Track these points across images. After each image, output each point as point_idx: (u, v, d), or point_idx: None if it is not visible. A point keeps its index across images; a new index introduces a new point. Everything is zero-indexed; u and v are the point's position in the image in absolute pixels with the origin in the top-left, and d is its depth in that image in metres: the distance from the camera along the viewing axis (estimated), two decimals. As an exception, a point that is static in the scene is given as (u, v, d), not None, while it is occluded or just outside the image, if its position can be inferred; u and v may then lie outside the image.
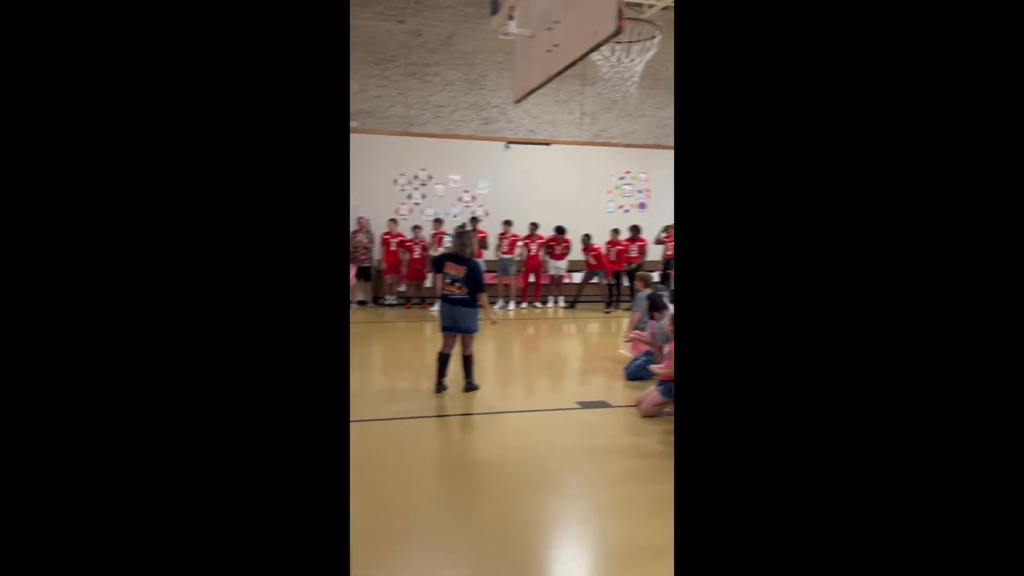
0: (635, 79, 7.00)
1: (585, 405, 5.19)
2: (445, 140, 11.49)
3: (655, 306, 5.80)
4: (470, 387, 5.49)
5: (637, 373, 5.88)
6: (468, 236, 5.49)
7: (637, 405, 4.92)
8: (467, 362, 5.48)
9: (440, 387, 5.43)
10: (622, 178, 12.32)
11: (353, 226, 10.49)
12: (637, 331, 6.08)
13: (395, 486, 3.47)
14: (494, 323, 5.88)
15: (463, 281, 5.29)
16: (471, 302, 5.32)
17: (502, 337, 8.35)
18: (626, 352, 6.71)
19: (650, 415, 4.76)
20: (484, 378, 5.76)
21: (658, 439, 4.30)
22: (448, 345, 5.44)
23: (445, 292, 5.40)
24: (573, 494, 3.48)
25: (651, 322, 5.87)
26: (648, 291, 6.48)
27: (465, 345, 5.44)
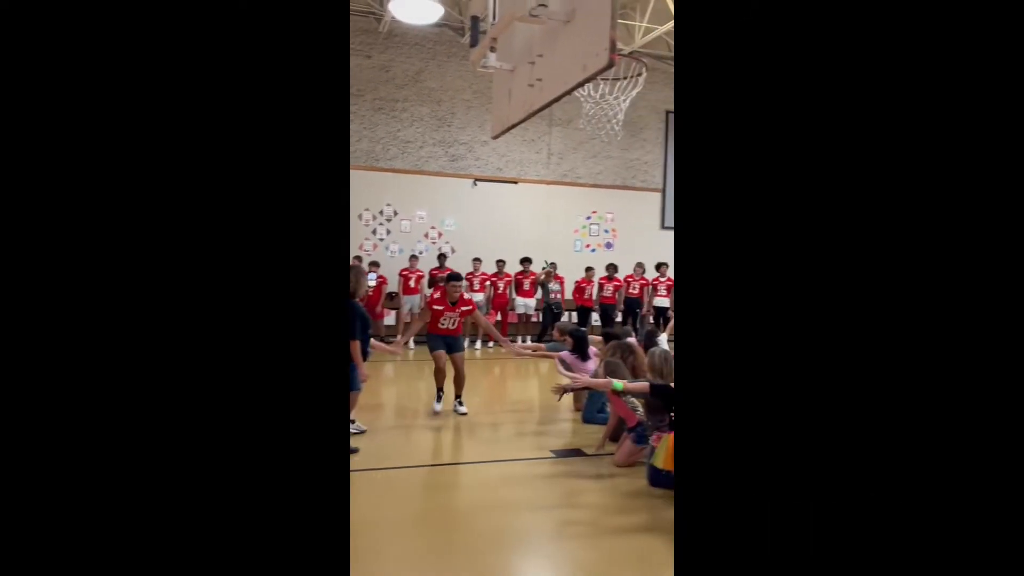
0: (620, 117, 6.92)
1: (559, 454, 4.95)
2: (412, 176, 11.34)
3: (581, 346, 6.05)
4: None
5: (592, 417, 5.74)
6: (354, 271, 4.68)
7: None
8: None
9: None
10: (589, 218, 12.31)
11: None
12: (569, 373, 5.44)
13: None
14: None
15: None
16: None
17: (470, 379, 8.09)
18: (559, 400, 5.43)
19: (626, 465, 4.56)
20: (449, 422, 5.47)
21: (634, 491, 4.11)
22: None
23: None
24: (545, 553, 3.24)
25: (583, 363, 5.92)
26: (563, 340, 6.49)
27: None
